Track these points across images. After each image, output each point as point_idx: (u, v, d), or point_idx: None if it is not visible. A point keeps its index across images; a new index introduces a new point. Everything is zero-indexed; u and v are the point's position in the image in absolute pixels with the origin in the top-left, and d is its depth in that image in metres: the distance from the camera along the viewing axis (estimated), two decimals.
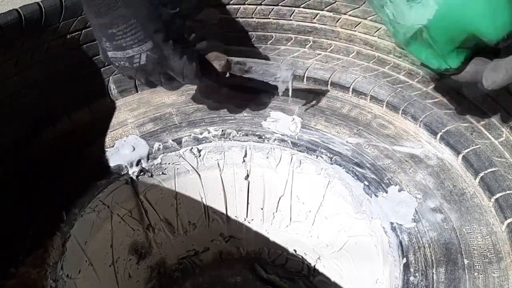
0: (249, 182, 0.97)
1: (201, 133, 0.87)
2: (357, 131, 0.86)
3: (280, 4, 0.89)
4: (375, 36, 0.87)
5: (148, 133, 0.86)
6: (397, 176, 0.78)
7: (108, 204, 0.82)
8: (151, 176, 0.86)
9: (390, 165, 0.80)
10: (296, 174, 0.90)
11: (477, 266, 0.66)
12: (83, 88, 0.89)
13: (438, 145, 0.83)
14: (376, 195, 0.76)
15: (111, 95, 0.92)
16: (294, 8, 0.89)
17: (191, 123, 0.88)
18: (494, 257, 0.67)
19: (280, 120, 0.88)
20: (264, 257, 1.13)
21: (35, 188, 0.76)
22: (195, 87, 0.94)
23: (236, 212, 1.03)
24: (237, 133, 0.88)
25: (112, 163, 0.81)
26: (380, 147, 0.83)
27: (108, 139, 0.85)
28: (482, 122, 0.79)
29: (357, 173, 0.80)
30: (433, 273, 0.66)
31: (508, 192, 0.72)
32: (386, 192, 0.76)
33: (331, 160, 0.83)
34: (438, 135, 0.83)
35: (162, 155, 0.85)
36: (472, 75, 0.65)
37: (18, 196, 0.75)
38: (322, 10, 0.89)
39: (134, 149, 0.83)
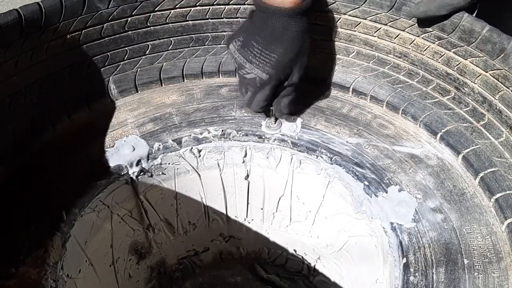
0: (249, 182, 0.97)
1: (201, 133, 0.87)
2: (357, 131, 0.86)
3: None
4: (375, 36, 0.87)
5: (148, 133, 0.86)
6: (397, 176, 0.78)
7: (108, 204, 0.82)
8: (151, 176, 0.87)
9: (390, 165, 0.80)
10: (296, 174, 0.90)
11: (477, 266, 0.66)
12: (83, 88, 0.89)
13: (438, 145, 0.83)
14: (376, 195, 0.76)
15: (111, 95, 0.92)
16: None
17: (191, 123, 0.88)
18: (494, 257, 0.67)
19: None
20: (264, 257, 1.13)
21: (35, 188, 0.76)
22: (195, 86, 0.95)
23: (236, 212, 1.03)
24: (237, 133, 0.88)
25: (112, 163, 0.81)
26: (380, 147, 0.83)
27: (108, 139, 0.85)
28: (482, 122, 0.78)
29: (357, 173, 0.80)
30: (433, 273, 0.66)
31: (508, 192, 0.72)
32: (386, 192, 0.76)
33: (331, 160, 0.83)
34: (438, 135, 0.83)
35: (162, 155, 0.85)
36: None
37: (18, 196, 0.75)
38: (322, 10, 0.89)
39: (134, 149, 0.83)
